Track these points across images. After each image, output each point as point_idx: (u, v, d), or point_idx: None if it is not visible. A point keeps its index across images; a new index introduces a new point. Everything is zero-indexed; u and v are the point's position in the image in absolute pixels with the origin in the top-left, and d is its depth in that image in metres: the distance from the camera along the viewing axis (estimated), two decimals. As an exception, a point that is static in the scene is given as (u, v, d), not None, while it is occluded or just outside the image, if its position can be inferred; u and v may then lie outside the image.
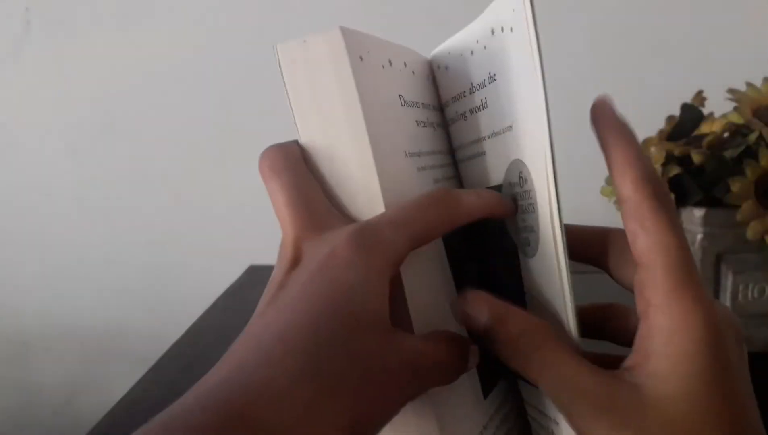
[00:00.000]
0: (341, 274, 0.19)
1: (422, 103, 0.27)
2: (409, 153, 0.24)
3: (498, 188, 0.26)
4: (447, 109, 0.29)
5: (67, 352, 0.89)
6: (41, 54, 0.81)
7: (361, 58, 0.23)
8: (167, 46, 0.79)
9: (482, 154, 0.26)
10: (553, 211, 0.22)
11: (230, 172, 0.79)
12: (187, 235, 0.83)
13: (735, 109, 0.44)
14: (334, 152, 0.23)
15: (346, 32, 0.22)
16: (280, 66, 0.23)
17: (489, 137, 0.26)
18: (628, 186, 0.20)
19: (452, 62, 0.27)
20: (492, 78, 0.25)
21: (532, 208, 0.23)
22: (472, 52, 0.26)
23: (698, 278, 0.20)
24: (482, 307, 0.21)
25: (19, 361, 0.90)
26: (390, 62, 0.25)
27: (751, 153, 0.41)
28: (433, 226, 0.22)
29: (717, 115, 0.47)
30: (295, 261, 0.21)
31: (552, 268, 0.22)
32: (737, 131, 0.44)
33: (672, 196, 0.43)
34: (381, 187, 0.22)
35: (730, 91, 0.44)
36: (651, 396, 0.18)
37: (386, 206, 0.22)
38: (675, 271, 0.19)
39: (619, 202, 0.21)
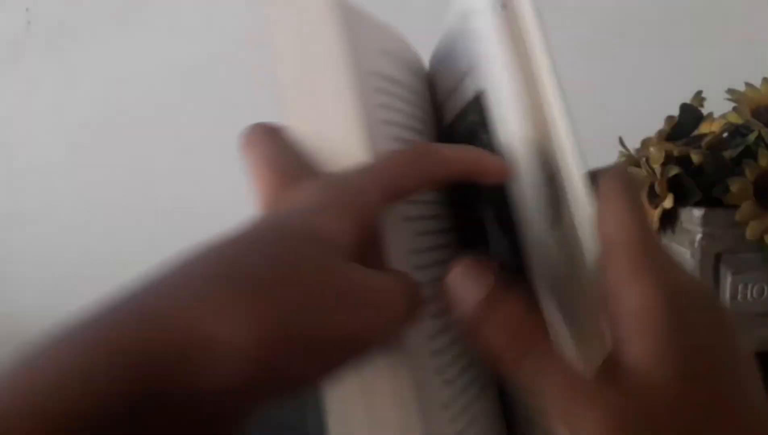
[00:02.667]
0: (299, 207, 0.18)
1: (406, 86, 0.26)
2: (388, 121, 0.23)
3: None
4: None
5: (67, 352, 0.89)
6: (41, 54, 0.81)
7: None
8: (167, 46, 0.79)
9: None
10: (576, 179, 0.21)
11: (230, 172, 0.79)
12: (187, 236, 0.83)
13: (734, 109, 0.45)
14: (321, 123, 0.22)
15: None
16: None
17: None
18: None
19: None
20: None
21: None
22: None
23: (656, 254, 0.19)
24: (481, 279, 0.19)
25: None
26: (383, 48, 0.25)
27: (750, 153, 0.41)
28: (406, 178, 0.20)
29: (716, 115, 0.47)
30: None
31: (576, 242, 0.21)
32: (736, 131, 0.44)
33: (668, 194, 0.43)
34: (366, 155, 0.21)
35: (730, 91, 0.45)
36: (629, 386, 0.17)
37: None
38: (629, 251, 0.18)
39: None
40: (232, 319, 0.14)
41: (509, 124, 0.23)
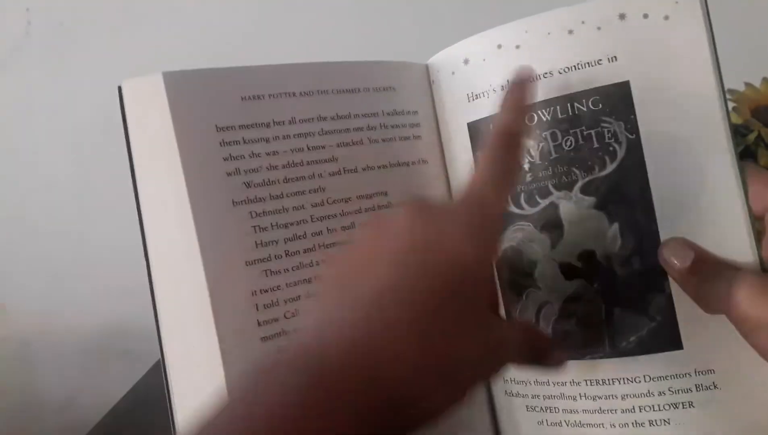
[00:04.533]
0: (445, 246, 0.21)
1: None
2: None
3: None
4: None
5: (67, 352, 0.89)
6: (41, 54, 0.81)
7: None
8: (168, 46, 0.79)
9: None
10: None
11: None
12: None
13: (733, 109, 0.44)
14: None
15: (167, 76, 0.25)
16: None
17: None
18: None
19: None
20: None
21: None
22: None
23: None
24: (687, 251, 0.25)
25: (19, 361, 0.90)
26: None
27: (750, 153, 0.41)
28: (516, 164, 0.24)
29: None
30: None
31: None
32: (736, 131, 0.44)
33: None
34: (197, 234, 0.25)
35: (729, 91, 0.45)
36: None
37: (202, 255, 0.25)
38: None
39: None
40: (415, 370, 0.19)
41: None
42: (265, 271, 0.26)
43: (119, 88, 0.26)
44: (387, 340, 0.18)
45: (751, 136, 0.42)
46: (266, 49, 0.77)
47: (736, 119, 0.44)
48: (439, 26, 0.66)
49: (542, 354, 0.24)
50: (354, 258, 0.22)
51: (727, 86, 0.44)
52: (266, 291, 0.26)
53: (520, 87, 0.25)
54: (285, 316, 0.26)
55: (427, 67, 0.31)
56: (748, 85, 0.45)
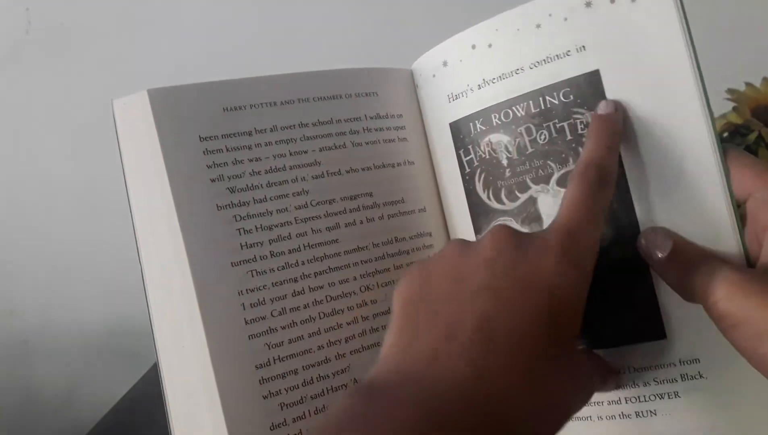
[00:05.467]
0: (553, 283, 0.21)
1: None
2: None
3: None
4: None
5: (67, 351, 0.89)
6: (41, 54, 0.81)
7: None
8: (168, 47, 0.79)
9: None
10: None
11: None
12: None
13: (734, 109, 0.44)
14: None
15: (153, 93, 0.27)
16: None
17: None
18: None
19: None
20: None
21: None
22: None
23: None
24: (666, 240, 0.25)
25: (19, 360, 0.90)
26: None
27: (750, 153, 0.41)
28: (608, 196, 0.24)
29: (716, 114, 0.47)
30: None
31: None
32: (736, 131, 0.44)
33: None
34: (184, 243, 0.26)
35: (729, 91, 0.45)
36: None
37: (188, 257, 0.26)
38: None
39: None
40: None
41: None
42: (251, 271, 0.27)
43: (112, 105, 0.28)
44: (499, 375, 0.18)
45: (752, 136, 0.42)
46: (269, 55, 0.77)
47: (737, 119, 0.44)
48: (421, 31, 0.67)
49: (611, 381, 0.26)
50: (438, 283, 0.22)
51: (727, 86, 0.45)
52: (252, 290, 0.27)
53: (603, 119, 0.25)
54: (272, 314, 0.27)
55: (411, 72, 0.32)
56: (748, 84, 0.45)
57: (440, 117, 0.31)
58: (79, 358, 0.91)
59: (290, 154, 0.28)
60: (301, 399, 0.26)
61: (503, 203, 0.29)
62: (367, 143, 0.30)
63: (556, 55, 0.27)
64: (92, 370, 0.90)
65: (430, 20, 0.69)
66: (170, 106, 0.27)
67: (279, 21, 0.77)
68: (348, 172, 0.29)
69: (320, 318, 0.27)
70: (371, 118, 0.31)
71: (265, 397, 0.26)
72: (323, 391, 0.27)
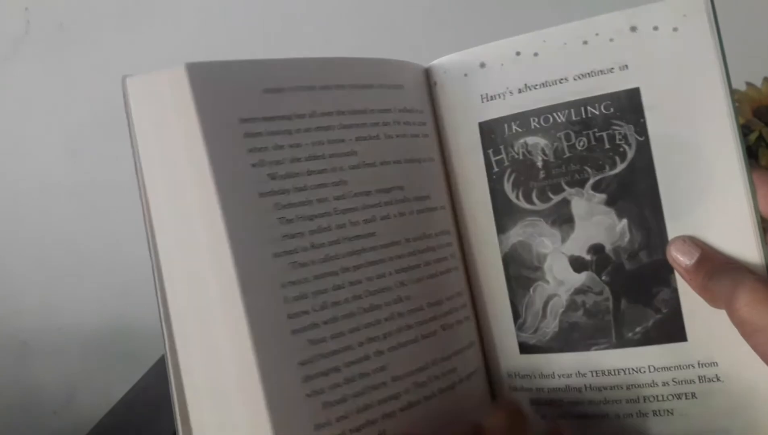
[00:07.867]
0: None
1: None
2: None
3: None
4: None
5: (67, 352, 0.89)
6: (40, 54, 0.81)
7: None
8: (167, 46, 0.79)
9: None
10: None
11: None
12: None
13: (735, 109, 0.44)
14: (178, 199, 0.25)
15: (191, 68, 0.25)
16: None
17: None
18: None
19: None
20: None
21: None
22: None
23: None
24: (694, 248, 0.27)
25: (19, 361, 0.90)
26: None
27: (751, 153, 0.41)
28: None
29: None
30: None
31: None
32: (737, 131, 0.44)
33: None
34: (226, 227, 0.24)
35: (731, 91, 0.44)
36: None
37: (231, 248, 0.24)
38: None
39: None
40: None
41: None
42: (293, 262, 0.25)
43: (123, 82, 0.26)
44: None
45: (753, 136, 0.42)
46: (270, 52, 0.77)
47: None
48: (422, 30, 0.67)
49: None
50: None
51: (728, 86, 0.44)
52: (294, 283, 0.25)
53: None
54: (314, 308, 0.26)
55: (425, 70, 0.32)
56: (749, 85, 0.45)
57: (468, 116, 0.31)
58: (78, 358, 0.91)
59: (328, 142, 0.27)
60: (344, 398, 0.25)
61: (533, 204, 0.30)
62: (397, 136, 0.29)
63: (600, 71, 0.29)
64: (92, 371, 0.90)
65: (430, 21, 0.69)
66: (213, 83, 0.26)
67: (284, 13, 0.76)
68: (382, 164, 0.29)
69: (360, 313, 0.26)
70: (399, 111, 0.30)
71: (308, 396, 0.25)
72: (364, 390, 0.26)
